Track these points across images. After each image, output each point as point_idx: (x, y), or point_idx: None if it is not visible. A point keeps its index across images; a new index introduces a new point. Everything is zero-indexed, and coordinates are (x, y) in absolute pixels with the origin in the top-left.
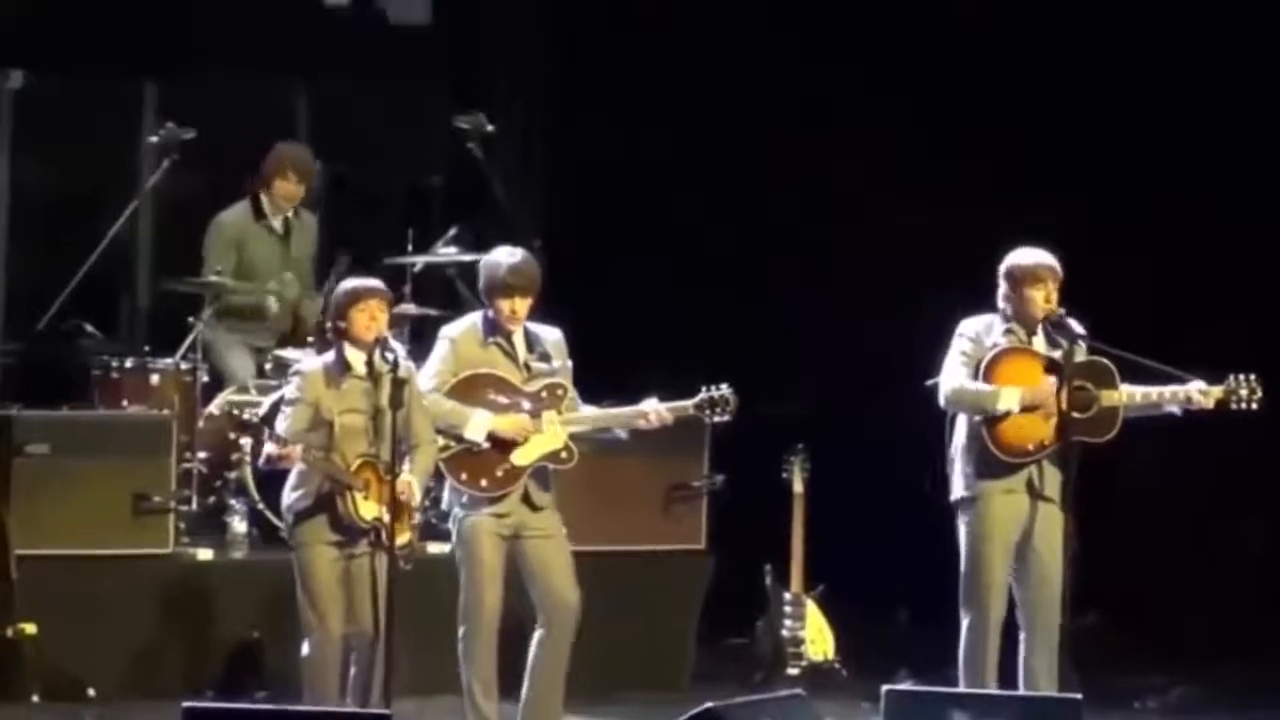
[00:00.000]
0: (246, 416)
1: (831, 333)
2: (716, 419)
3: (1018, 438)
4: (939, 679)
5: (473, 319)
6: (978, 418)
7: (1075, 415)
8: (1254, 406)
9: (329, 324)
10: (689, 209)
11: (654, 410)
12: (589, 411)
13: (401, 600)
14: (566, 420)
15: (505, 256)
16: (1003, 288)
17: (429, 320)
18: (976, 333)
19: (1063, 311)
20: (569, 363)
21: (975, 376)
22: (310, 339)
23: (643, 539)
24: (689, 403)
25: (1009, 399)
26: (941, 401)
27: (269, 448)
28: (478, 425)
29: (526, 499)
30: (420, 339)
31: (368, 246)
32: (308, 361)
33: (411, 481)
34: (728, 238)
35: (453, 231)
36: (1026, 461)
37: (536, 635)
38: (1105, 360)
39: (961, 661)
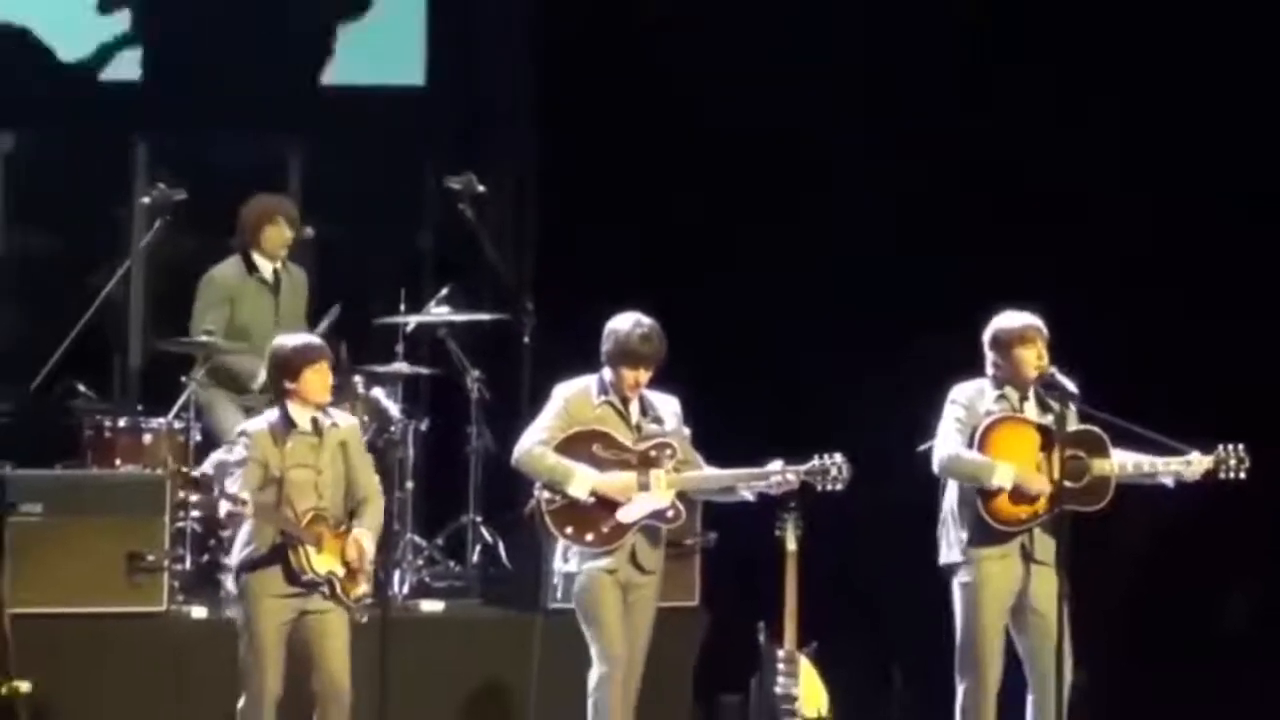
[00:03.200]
0: (195, 473)
1: (829, 393)
2: (829, 489)
3: (1012, 509)
4: None
5: (588, 380)
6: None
7: (1068, 484)
8: (1241, 476)
9: (275, 381)
10: (685, 267)
11: (780, 472)
12: (707, 472)
13: (392, 659)
14: (675, 480)
15: (634, 325)
16: (990, 355)
17: (421, 380)
18: (970, 399)
19: (1054, 371)
20: (685, 428)
21: (970, 444)
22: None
23: None
24: (801, 468)
25: (1003, 476)
26: (936, 468)
27: (224, 506)
28: (581, 482)
29: (634, 559)
30: (413, 398)
31: (359, 306)
32: (253, 422)
33: (361, 537)
34: (725, 295)
35: (444, 291)
36: (1019, 530)
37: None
38: (1097, 429)
39: None
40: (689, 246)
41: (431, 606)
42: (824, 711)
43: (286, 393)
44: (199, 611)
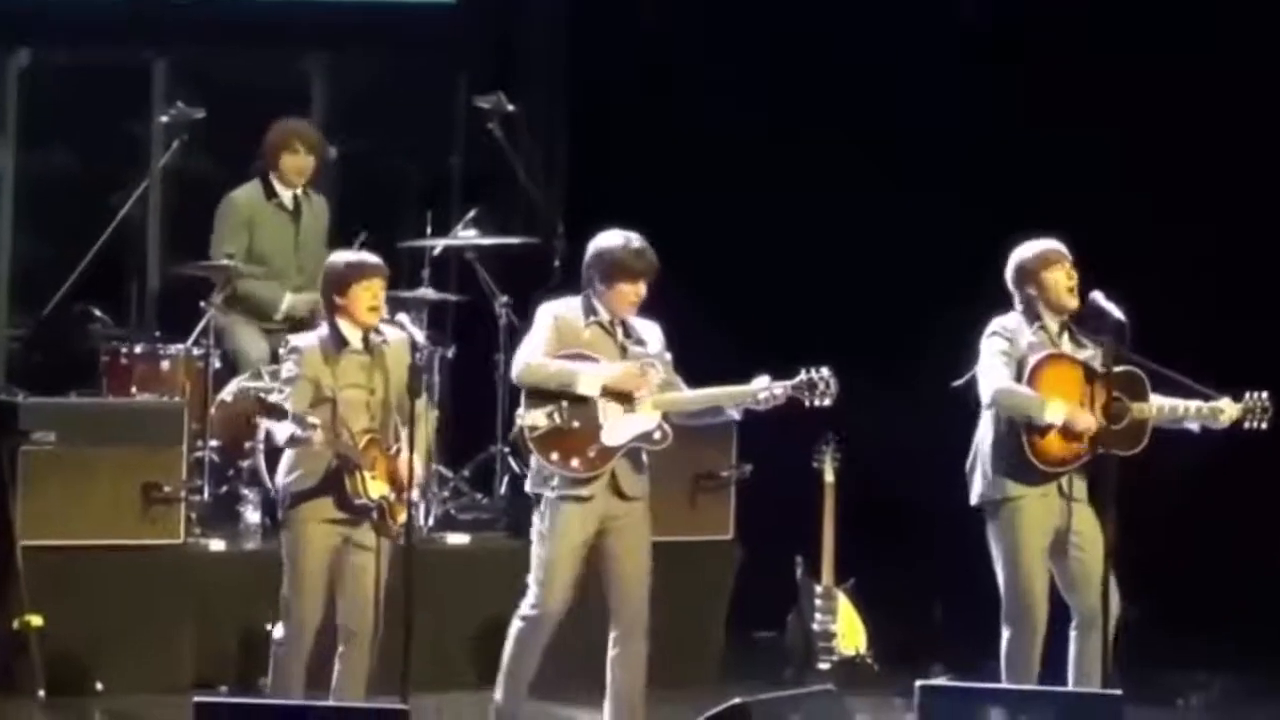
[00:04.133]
0: (269, 396)
1: (866, 318)
2: (816, 403)
3: (1059, 448)
4: (974, 674)
5: (573, 301)
6: (1018, 422)
7: (1108, 426)
8: (1263, 426)
9: (326, 296)
10: (721, 191)
11: (767, 388)
12: (693, 392)
13: (417, 593)
14: (661, 401)
15: (626, 240)
16: (1017, 292)
17: (447, 306)
18: (1011, 331)
19: (1098, 296)
20: (667, 353)
21: (1019, 379)
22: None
23: (669, 530)
24: (788, 384)
25: (1055, 412)
26: (985, 400)
27: (287, 429)
28: (590, 379)
29: (614, 485)
30: (439, 325)
31: (383, 230)
32: (302, 338)
33: (413, 460)
34: (764, 215)
35: (472, 214)
36: (1062, 471)
37: (612, 646)
38: (1138, 371)
39: (1004, 668)
40: (725, 167)
41: (458, 539)
42: (862, 649)
43: (336, 309)
44: (217, 544)
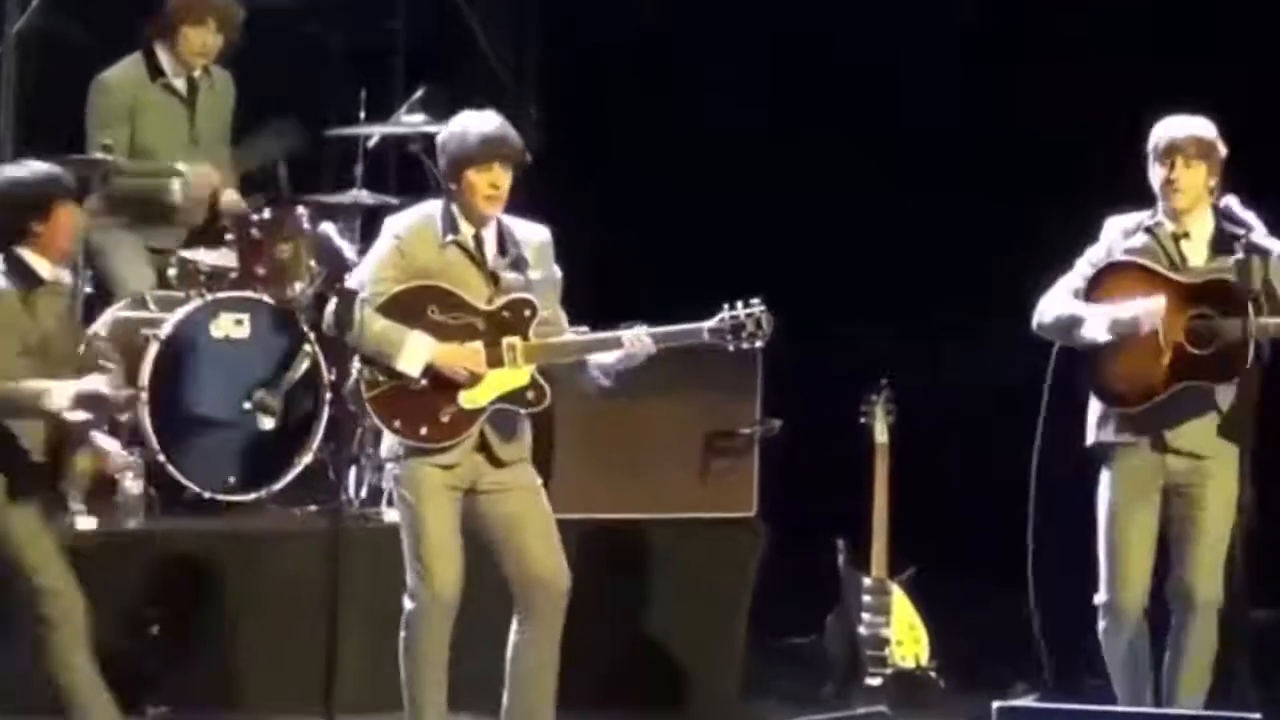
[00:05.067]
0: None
1: (922, 235)
2: (742, 346)
3: (1123, 382)
4: (1070, 692)
5: (427, 210)
6: (1080, 350)
7: (1191, 351)
8: None
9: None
10: (720, 78)
11: (633, 337)
12: (565, 338)
13: (345, 579)
14: (535, 349)
15: (473, 118)
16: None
17: (388, 211)
18: (1114, 237)
19: (1230, 200)
20: (557, 272)
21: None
22: (227, 235)
23: (674, 505)
24: (701, 325)
25: (1095, 325)
26: (1034, 324)
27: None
28: (414, 354)
29: (485, 450)
30: (377, 234)
31: (306, 113)
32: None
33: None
34: (768, 114)
35: (418, 94)
36: (1136, 413)
37: (514, 628)
38: (1237, 280)
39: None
40: (736, 48)
41: (395, 514)
42: (924, 659)
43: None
44: (86, 522)
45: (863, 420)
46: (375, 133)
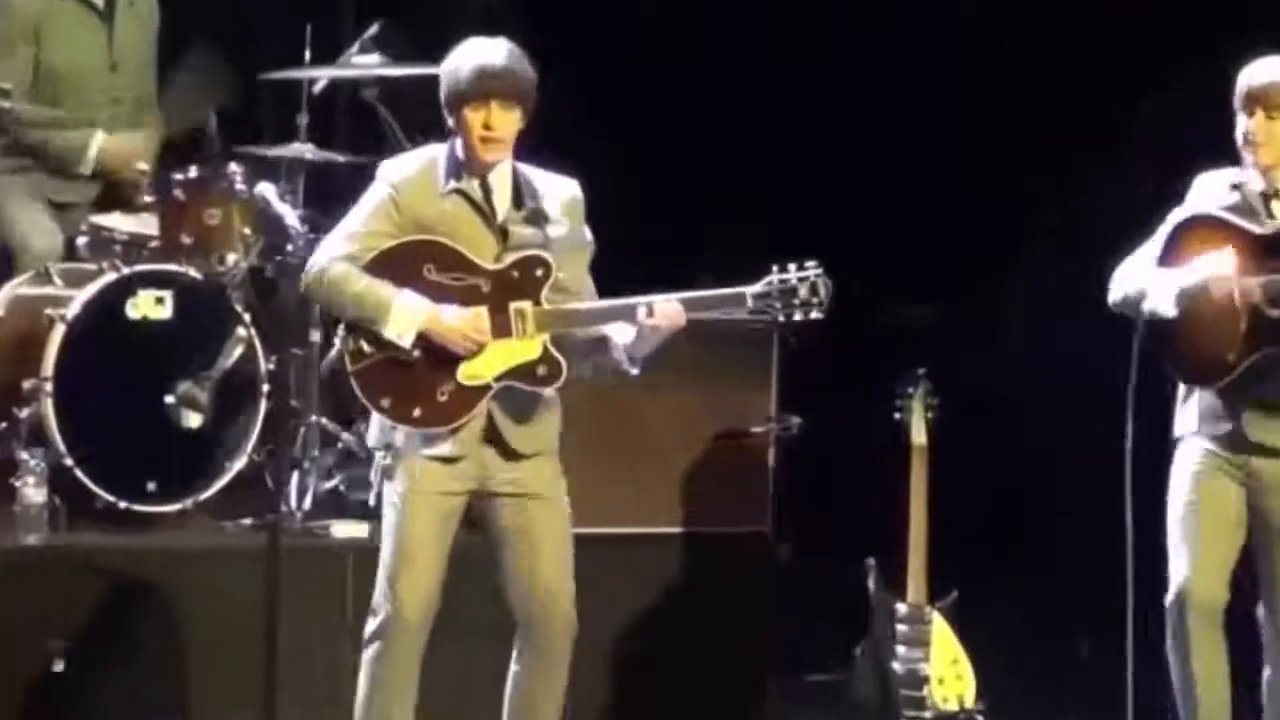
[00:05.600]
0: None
1: (969, 201)
2: (794, 317)
3: (1197, 354)
4: None
5: (428, 154)
6: (1145, 326)
7: (1269, 314)
8: None
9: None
10: (752, 22)
11: (652, 304)
12: (578, 305)
13: (288, 602)
14: (547, 316)
15: (474, 46)
16: None
17: (335, 172)
18: (1199, 197)
19: None
20: (586, 233)
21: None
22: (147, 196)
23: (673, 518)
24: (744, 290)
25: (1161, 296)
26: (1109, 301)
27: None
28: (404, 318)
29: (494, 439)
30: (324, 197)
31: (239, 53)
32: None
33: None
34: (815, 58)
35: (374, 29)
36: (1212, 389)
37: (515, 658)
38: None
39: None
40: None
41: (348, 530)
42: (969, 699)
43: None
44: None
45: (897, 416)
46: (321, 76)
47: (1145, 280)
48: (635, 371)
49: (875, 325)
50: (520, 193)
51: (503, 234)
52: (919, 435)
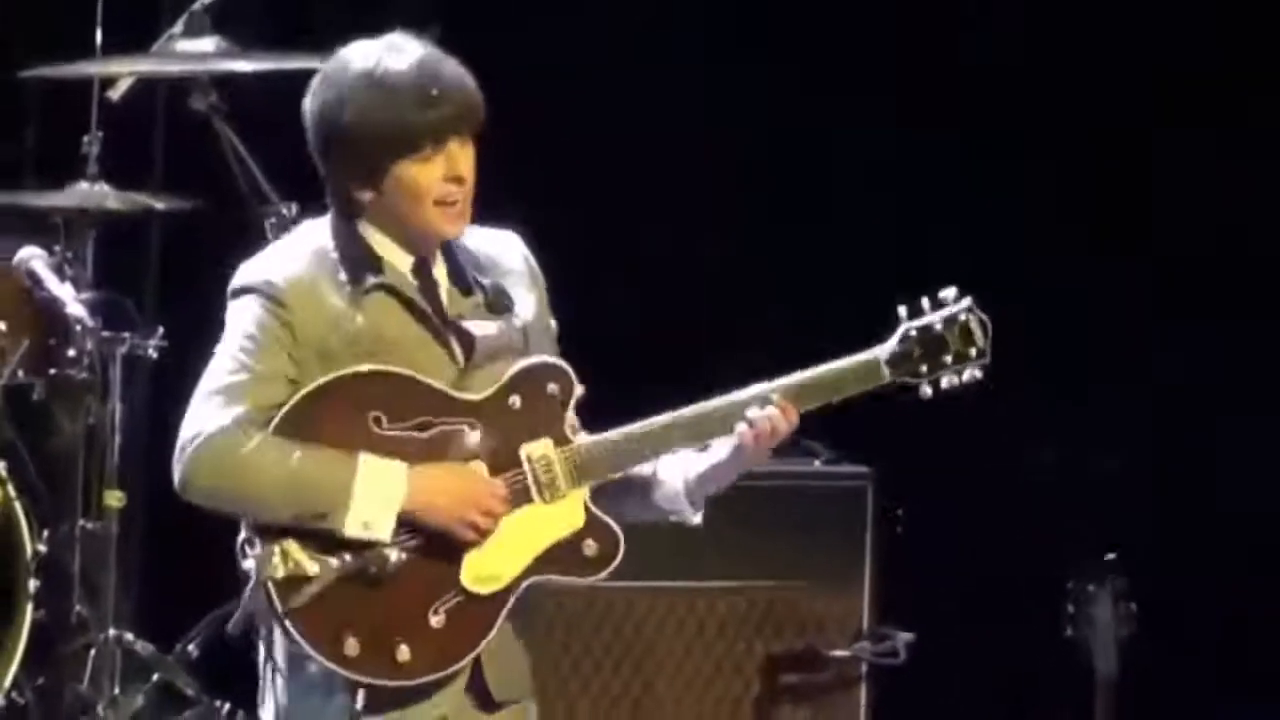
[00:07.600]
0: None
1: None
2: (955, 381)
3: None
4: None
5: (308, 243)
6: None
7: None
8: None
9: None
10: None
11: (759, 403)
12: (641, 427)
13: None
14: (585, 458)
15: (384, 54)
16: None
17: (147, 223)
18: None
19: None
20: (552, 320)
21: None
22: None
23: None
24: (874, 355)
25: None
26: None
27: None
28: (373, 496)
29: (476, 686)
30: (133, 271)
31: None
32: None
33: None
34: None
35: (201, 2)
36: None
37: None
38: None
39: None
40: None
41: None
42: None
43: None
44: None
45: (1069, 634)
46: (122, 74)
47: None
48: (698, 520)
49: (1031, 479)
50: (459, 268)
51: (460, 338)
52: (1105, 663)
